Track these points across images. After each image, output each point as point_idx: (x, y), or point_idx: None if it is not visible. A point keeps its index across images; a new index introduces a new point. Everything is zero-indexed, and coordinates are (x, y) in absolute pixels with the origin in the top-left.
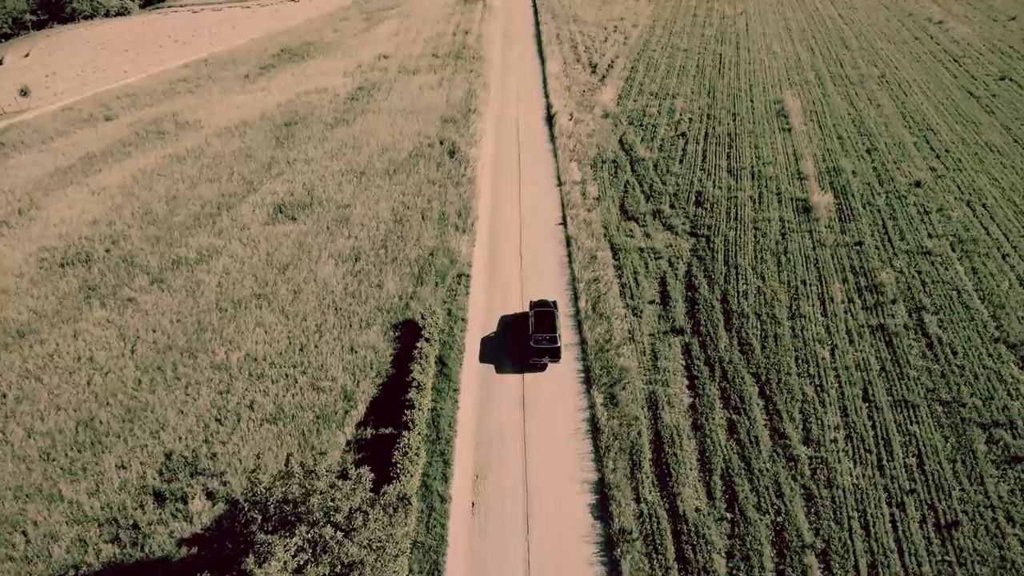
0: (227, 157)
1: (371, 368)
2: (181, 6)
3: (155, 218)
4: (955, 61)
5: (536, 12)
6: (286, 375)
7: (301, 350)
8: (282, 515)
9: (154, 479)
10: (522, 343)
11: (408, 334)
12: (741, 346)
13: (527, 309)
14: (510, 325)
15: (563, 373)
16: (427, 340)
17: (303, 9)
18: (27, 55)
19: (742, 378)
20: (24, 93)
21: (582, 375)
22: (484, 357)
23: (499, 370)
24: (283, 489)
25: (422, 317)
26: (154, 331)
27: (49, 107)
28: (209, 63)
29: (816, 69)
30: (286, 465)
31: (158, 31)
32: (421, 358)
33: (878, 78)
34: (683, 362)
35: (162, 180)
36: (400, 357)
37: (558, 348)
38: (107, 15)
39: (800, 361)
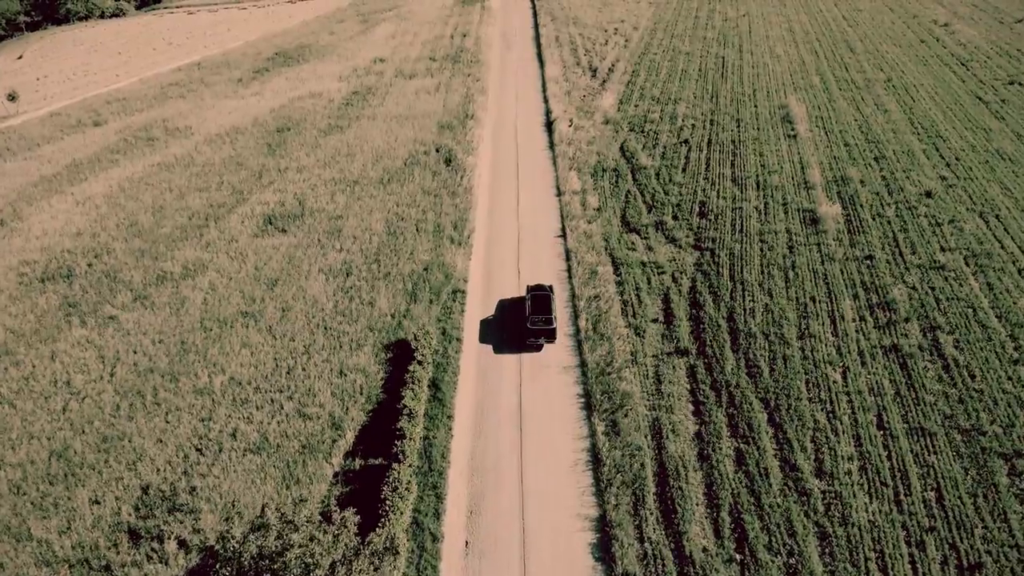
0: (217, 165)
1: (361, 393)
2: (177, 7)
3: (140, 230)
4: (962, 65)
5: (535, 14)
6: (271, 400)
7: (288, 373)
8: (257, 571)
9: (129, 515)
10: (520, 325)
11: (400, 355)
12: (748, 368)
13: (524, 294)
14: (507, 308)
15: (562, 398)
16: (420, 363)
17: (300, 11)
18: (20, 57)
19: (750, 404)
20: (12, 98)
21: (582, 400)
22: (483, 338)
23: (496, 351)
24: (258, 543)
25: (415, 338)
26: (135, 352)
27: (38, 112)
28: (202, 66)
29: (821, 73)
30: (261, 515)
31: (152, 33)
32: (413, 383)
33: (884, 82)
34: (688, 386)
35: (149, 190)
36: (392, 380)
37: (553, 329)
38: (102, 16)
39: (811, 385)
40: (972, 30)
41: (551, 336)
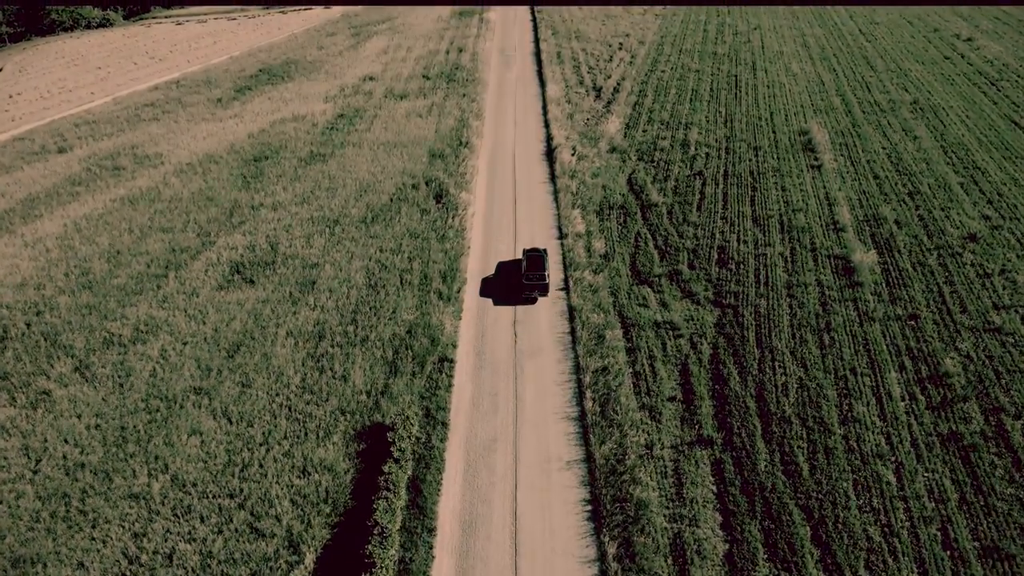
0: (185, 200)
1: (326, 500)
2: (166, 17)
3: (92, 280)
4: (991, 84)
5: (535, 28)
6: (219, 509)
7: (242, 471)
8: None
9: None
10: (517, 281)
11: (375, 446)
12: (785, 465)
13: (520, 256)
14: (505, 268)
15: (564, 506)
16: (397, 461)
17: (291, 21)
18: (0, 70)
19: (789, 513)
20: None
21: (588, 509)
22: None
23: (496, 303)
24: None
25: (393, 426)
26: (66, 441)
27: (1, 136)
28: (181, 84)
29: (842, 94)
30: None
31: (136, 45)
32: (388, 489)
33: (910, 104)
34: (714, 488)
35: (107, 230)
36: (363, 481)
37: (546, 284)
38: (88, 27)
39: (860, 487)
40: (997, 45)
41: (544, 291)
